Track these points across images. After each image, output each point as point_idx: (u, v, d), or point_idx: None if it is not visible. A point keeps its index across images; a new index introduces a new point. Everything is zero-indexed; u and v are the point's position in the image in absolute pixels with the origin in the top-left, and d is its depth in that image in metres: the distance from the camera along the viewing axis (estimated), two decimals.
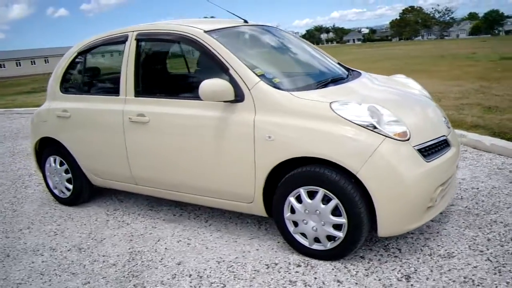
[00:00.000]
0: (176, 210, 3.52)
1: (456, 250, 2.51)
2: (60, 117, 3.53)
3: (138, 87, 3.08)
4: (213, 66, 2.76)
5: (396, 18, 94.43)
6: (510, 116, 5.18)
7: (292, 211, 2.53)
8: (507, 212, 2.92)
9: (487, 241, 2.57)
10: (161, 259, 2.73)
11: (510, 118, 5.04)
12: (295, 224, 2.56)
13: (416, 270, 2.34)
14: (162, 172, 3.02)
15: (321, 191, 2.39)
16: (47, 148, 3.80)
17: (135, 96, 3.08)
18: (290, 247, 2.68)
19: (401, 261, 2.45)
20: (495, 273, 2.24)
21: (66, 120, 3.49)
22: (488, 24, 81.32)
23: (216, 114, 2.66)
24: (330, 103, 2.41)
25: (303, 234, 2.55)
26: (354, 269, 2.40)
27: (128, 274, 2.59)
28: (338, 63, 3.46)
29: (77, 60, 3.57)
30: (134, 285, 2.45)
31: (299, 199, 2.49)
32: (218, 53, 2.69)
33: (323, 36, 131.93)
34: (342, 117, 2.33)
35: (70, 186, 3.72)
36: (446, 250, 2.52)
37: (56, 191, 3.86)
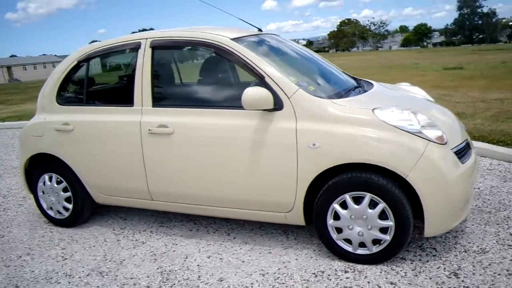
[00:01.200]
0: (189, 225, 3.38)
1: (486, 245, 2.66)
2: (60, 131, 3.26)
3: (156, 96, 2.94)
4: (243, 74, 2.73)
5: (334, 30, 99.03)
6: (481, 121, 5.64)
7: (336, 217, 2.54)
8: None
9: (510, 236, 2.76)
10: (199, 277, 2.60)
11: (483, 123, 5.49)
12: (338, 230, 2.57)
13: (459, 267, 2.45)
14: (188, 185, 2.89)
15: (368, 196, 2.43)
16: (40, 166, 3.48)
17: (153, 106, 2.93)
18: (329, 254, 2.69)
19: (441, 259, 2.55)
20: None
21: (68, 134, 3.23)
22: (418, 36, 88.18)
23: (252, 123, 2.62)
24: (373, 109, 2.47)
25: (347, 240, 2.57)
26: (401, 271, 2.46)
27: None
28: (343, 72, 3.55)
29: (77, 69, 3.33)
30: None
31: (343, 205, 2.51)
32: (251, 61, 2.66)
33: None
34: (386, 122, 2.40)
35: (69, 206, 3.43)
36: (478, 246, 2.66)
37: (51, 212, 3.54)
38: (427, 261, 2.54)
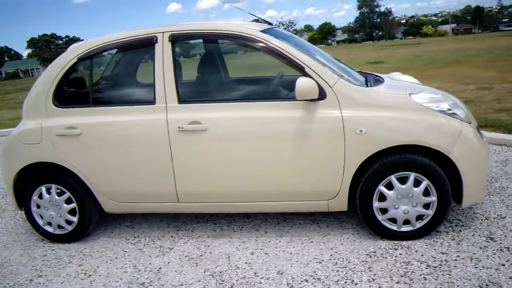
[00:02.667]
0: (209, 225, 3.26)
1: (501, 212, 2.99)
2: (64, 136, 2.92)
3: (182, 92, 2.79)
4: (278, 65, 2.72)
5: None
6: None
7: (381, 199, 2.66)
8: (504, 179, 3.59)
9: None
10: (255, 274, 2.54)
11: None
12: (382, 211, 2.70)
13: (490, 232, 2.73)
14: (224, 183, 2.79)
15: (413, 175, 2.59)
16: (35, 178, 3.08)
17: (180, 102, 2.78)
18: (370, 235, 2.81)
19: (470, 228, 2.81)
20: None
21: (75, 139, 2.91)
22: (323, 35, 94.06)
23: (295, 114, 2.62)
24: (409, 94, 2.63)
25: (391, 219, 2.70)
26: (444, 242, 2.67)
27: None
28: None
29: (78, 67, 3.01)
30: None
31: (388, 186, 2.64)
32: (288, 52, 2.66)
33: None
34: (424, 106, 2.58)
35: (74, 219, 3.10)
36: (494, 213, 2.98)
37: (48, 228, 3.16)
38: (460, 231, 2.78)
